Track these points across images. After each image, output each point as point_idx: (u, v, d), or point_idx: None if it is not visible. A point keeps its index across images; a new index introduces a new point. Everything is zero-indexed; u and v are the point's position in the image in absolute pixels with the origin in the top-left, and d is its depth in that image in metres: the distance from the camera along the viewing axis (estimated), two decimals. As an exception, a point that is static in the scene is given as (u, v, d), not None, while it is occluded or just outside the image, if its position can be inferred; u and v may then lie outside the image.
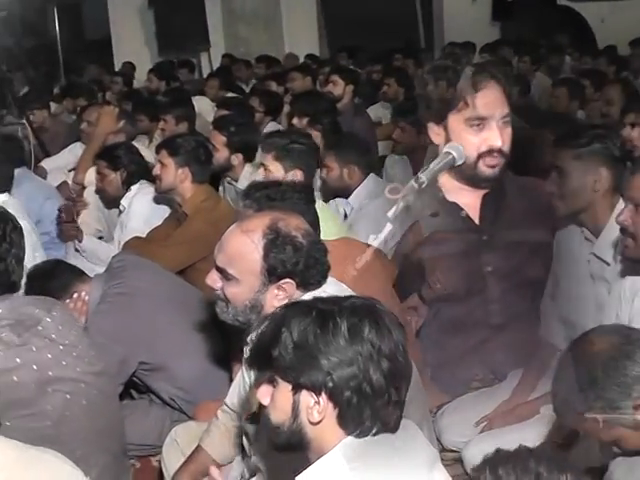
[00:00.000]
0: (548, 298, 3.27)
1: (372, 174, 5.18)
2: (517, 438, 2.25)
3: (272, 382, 2.00)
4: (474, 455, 2.82)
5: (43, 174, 6.46)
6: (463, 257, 3.26)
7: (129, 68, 12.18)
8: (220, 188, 5.54)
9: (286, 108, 7.54)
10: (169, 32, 12.23)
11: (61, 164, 6.79)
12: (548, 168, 3.18)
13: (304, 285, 2.54)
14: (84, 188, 5.65)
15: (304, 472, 1.98)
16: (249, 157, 5.33)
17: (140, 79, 11.54)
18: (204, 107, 8.48)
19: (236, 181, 5.33)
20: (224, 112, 6.53)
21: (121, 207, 5.16)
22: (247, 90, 9.44)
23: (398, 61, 10.71)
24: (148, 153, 5.80)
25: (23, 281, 3.18)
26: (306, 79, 8.78)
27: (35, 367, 2.80)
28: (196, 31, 12.18)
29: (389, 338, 1.96)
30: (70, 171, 6.56)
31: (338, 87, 7.48)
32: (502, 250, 3.28)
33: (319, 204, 3.42)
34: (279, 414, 1.98)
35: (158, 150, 4.81)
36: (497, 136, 3.09)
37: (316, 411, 1.94)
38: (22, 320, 2.87)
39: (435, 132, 3.18)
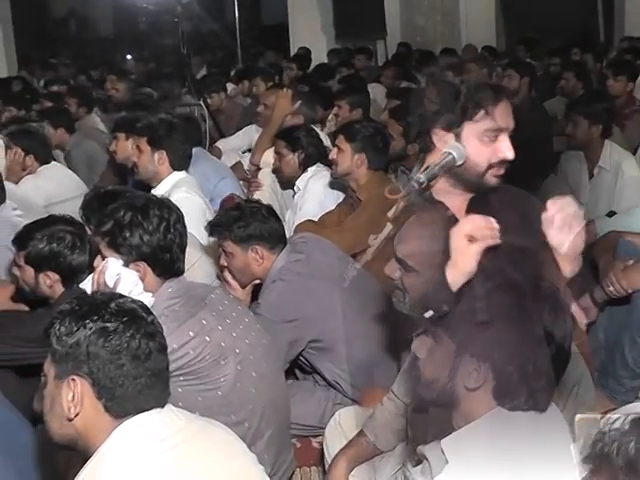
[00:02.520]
0: None
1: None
2: None
3: (434, 337, 2.05)
4: None
5: (218, 154, 6.60)
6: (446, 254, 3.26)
7: (305, 53, 12.31)
8: (392, 176, 5.53)
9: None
10: (347, 19, 12.31)
11: (236, 145, 6.92)
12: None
13: None
14: (259, 169, 5.74)
15: (452, 434, 2.03)
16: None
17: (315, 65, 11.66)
18: (379, 95, 8.50)
19: (410, 171, 5.30)
20: (395, 101, 6.52)
21: (296, 188, 5.23)
22: (422, 80, 9.41)
23: (576, 55, 10.46)
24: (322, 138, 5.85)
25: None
26: (482, 71, 8.68)
27: (208, 339, 2.88)
28: (373, 19, 12.21)
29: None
30: (244, 152, 6.69)
31: (514, 81, 7.39)
32: (485, 253, 3.23)
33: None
34: (435, 370, 2.01)
35: (336, 135, 4.85)
36: (509, 148, 3.02)
37: (474, 378, 1.97)
38: (191, 296, 2.98)
39: (441, 138, 3.07)
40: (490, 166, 3.03)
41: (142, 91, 8.80)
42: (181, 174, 4.76)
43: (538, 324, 1.98)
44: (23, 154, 5.76)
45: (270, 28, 17.76)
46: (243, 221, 3.62)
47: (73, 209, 4.26)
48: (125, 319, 2.10)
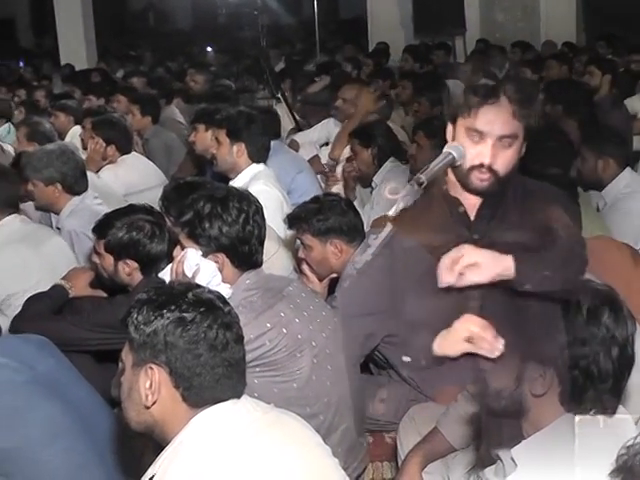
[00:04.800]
0: None
1: (628, 168, 4.99)
2: None
3: None
4: None
5: (296, 148, 6.62)
6: (449, 250, 3.15)
7: (383, 48, 12.28)
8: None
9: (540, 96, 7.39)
10: (426, 14, 12.26)
11: (313, 138, 6.93)
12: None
13: None
14: (337, 163, 5.75)
15: (522, 443, 2.04)
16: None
17: (393, 60, 11.64)
18: (455, 91, 8.44)
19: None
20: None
21: (373, 184, 5.21)
22: (500, 76, 9.33)
23: (658, 51, 10.27)
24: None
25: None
26: (562, 68, 8.58)
27: (285, 330, 2.90)
28: (453, 14, 12.14)
29: (624, 327, 2.01)
30: (322, 146, 6.70)
31: (595, 78, 7.29)
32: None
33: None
34: (502, 380, 1.99)
35: (415, 131, 4.83)
36: (487, 153, 2.99)
37: (540, 384, 1.99)
38: (269, 288, 2.99)
39: (448, 130, 3.13)
40: (472, 167, 3.01)
41: (220, 83, 8.86)
42: (259, 166, 4.78)
43: (599, 327, 1.97)
44: (104, 144, 5.85)
45: (348, 22, 17.76)
46: (322, 214, 3.62)
47: (152, 199, 4.31)
48: (202, 309, 2.11)
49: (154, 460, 2.14)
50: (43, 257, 4.26)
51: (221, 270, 2.93)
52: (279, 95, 7.86)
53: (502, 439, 2.12)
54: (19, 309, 3.78)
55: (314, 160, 6.23)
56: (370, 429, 3.50)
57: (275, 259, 3.90)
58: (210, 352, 2.09)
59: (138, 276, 3.59)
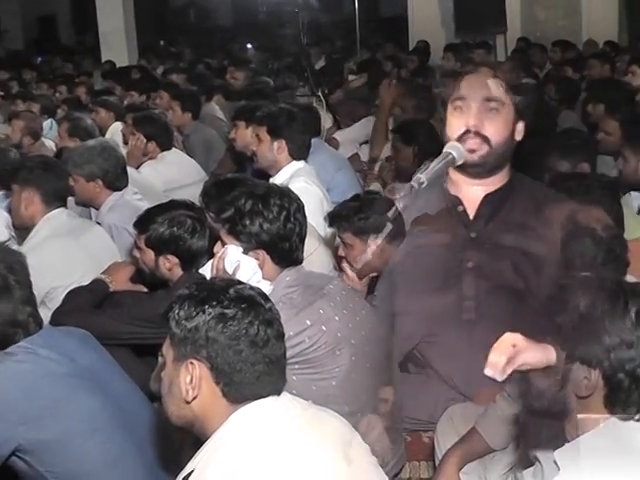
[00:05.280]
0: None
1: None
2: None
3: None
4: None
5: (335, 145, 6.62)
6: (447, 248, 3.21)
7: (424, 47, 12.25)
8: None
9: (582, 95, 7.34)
10: (467, 13, 12.21)
11: (353, 137, 6.93)
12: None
13: None
14: (376, 161, 5.75)
15: (565, 446, 2.01)
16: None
17: (433, 58, 11.61)
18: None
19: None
20: (515, 97, 6.42)
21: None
22: (541, 75, 9.27)
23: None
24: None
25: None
26: (604, 67, 8.51)
27: (324, 328, 2.90)
28: (494, 13, 12.07)
29: None
30: (361, 144, 6.70)
31: (637, 77, 7.24)
32: (487, 250, 3.19)
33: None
34: (546, 379, 1.98)
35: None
36: (472, 116, 3.02)
37: (585, 385, 1.96)
38: (309, 285, 3.00)
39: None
40: (458, 139, 3.03)
41: (260, 80, 8.89)
42: (300, 164, 4.79)
43: None
44: (145, 140, 5.89)
45: (389, 20, 17.73)
46: (363, 213, 3.62)
47: (192, 195, 4.33)
48: (244, 306, 2.12)
49: (192, 454, 2.15)
50: (88, 251, 4.30)
51: (261, 267, 2.94)
52: (319, 93, 7.86)
53: (543, 441, 2.11)
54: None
55: (354, 158, 6.23)
56: (408, 428, 3.50)
57: (315, 257, 3.90)
58: (251, 348, 2.10)
59: (178, 271, 3.60)
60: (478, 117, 3.04)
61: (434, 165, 2.92)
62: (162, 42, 18.04)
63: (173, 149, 6.13)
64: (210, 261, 3.07)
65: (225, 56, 14.30)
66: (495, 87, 3.10)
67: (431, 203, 3.20)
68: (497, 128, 3.09)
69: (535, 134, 5.10)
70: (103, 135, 6.81)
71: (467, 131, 3.04)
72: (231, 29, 20.84)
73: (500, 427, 2.87)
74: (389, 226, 3.01)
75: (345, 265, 3.78)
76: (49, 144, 6.89)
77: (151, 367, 3.17)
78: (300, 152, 4.82)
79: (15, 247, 3.44)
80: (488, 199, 3.22)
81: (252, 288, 2.23)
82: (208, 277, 2.94)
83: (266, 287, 2.80)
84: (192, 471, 2.09)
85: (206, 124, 7.41)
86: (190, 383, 2.11)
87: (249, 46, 16.06)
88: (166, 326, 2.17)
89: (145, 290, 3.94)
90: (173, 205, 3.74)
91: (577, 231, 2.51)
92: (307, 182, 4.62)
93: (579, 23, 12.70)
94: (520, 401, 2.72)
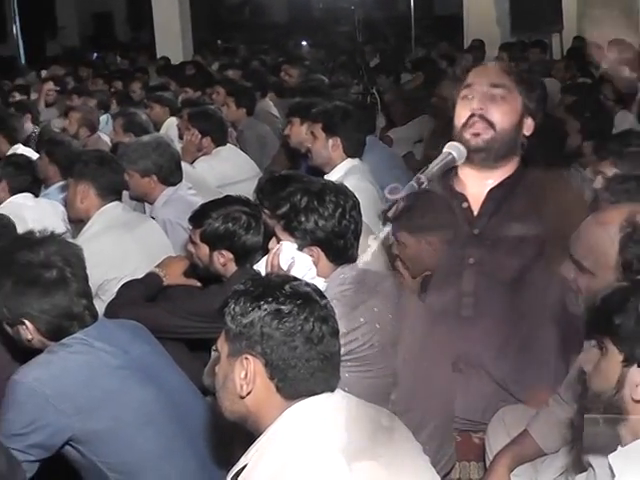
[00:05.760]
0: None
1: None
2: None
3: (601, 348, 2.00)
4: None
5: (389, 143, 6.61)
6: (450, 244, 3.25)
7: (479, 45, 12.19)
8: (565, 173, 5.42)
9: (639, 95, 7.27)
10: (523, 11, 12.15)
11: (407, 135, 6.93)
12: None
13: None
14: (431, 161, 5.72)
15: (620, 450, 2.00)
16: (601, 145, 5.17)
17: (489, 57, 11.53)
18: (551, 89, 8.33)
19: (584, 168, 5.19)
20: (570, 97, 6.39)
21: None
22: (597, 74, 9.19)
23: None
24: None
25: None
26: (661, 66, 8.39)
27: (378, 326, 2.89)
28: (550, 12, 12.00)
29: None
30: (416, 143, 6.69)
31: (695, 78, 7.12)
32: (489, 247, 3.20)
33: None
34: (601, 382, 1.98)
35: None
36: (477, 100, 3.07)
37: None
38: (364, 283, 2.99)
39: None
40: (464, 125, 3.07)
41: (314, 77, 8.89)
42: (355, 161, 4.78)
43: None
44: (200, 136, 5.92)
45: (443, 18, 17.68)
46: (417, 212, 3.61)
47: (246, 190, 4.34)
48: (299, 302, 2.12)
49: (244, 449, 2.16)
50: (141, 244, 4.33)
51: (316, 264, 2.94)
52: (373, 91, 7.86)
53: (598, 442, 2.09)
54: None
55: (408, 157, 6.21)
56: (458, 428, 3.49)
57: (369, 255, 3.89)
58: (306, 345, 2.10)
59: (233, 267, 3.62)
60: (483, 102, 3.08)
61: (434, 165, 2.92)
62: (217, 39, 18.12)
63: (228, 145, 6.16)
64: (265, 257, 3.08)
65: (280, 53, 14.34)
66: (501, 74, 3.14)
67: (433, 201, 3.20)
68: (502, 114, 3.11)
69: (591, 135, 5.10)
70: (157, 130, 6.86)
71: (472, 115, 3.07)
72: (286, 26, 20.90)
73: (553, 430, 2.86)
74: (389, 226, 3.02)
75: (398, 264, 3.77)
76: (105, 138, 6.95)
77: (203, 361, 3.22)
78: (355, 150, 4.81)
79: (71, 240, 3.46)
80: (492, 194, 3.22)
81: (308, 284, 2.23)
82: (263, 273, 2.94)
83: (320, 284, 2.78)
84: (245, 466, 2.10)
85: (260, 120, 7.43)
86: (245, 378, 2.11)
87: (304, 43, 16.09)
88: (219, 321, 2.18)
89: (198, 285, 3.96)
90: (228, 200, 3.76)
91: (635, 232, 2.47)
92: (362, 180, 4.60)
93: (637, 22, 12.54)
94: (574, 404, 2.70)
